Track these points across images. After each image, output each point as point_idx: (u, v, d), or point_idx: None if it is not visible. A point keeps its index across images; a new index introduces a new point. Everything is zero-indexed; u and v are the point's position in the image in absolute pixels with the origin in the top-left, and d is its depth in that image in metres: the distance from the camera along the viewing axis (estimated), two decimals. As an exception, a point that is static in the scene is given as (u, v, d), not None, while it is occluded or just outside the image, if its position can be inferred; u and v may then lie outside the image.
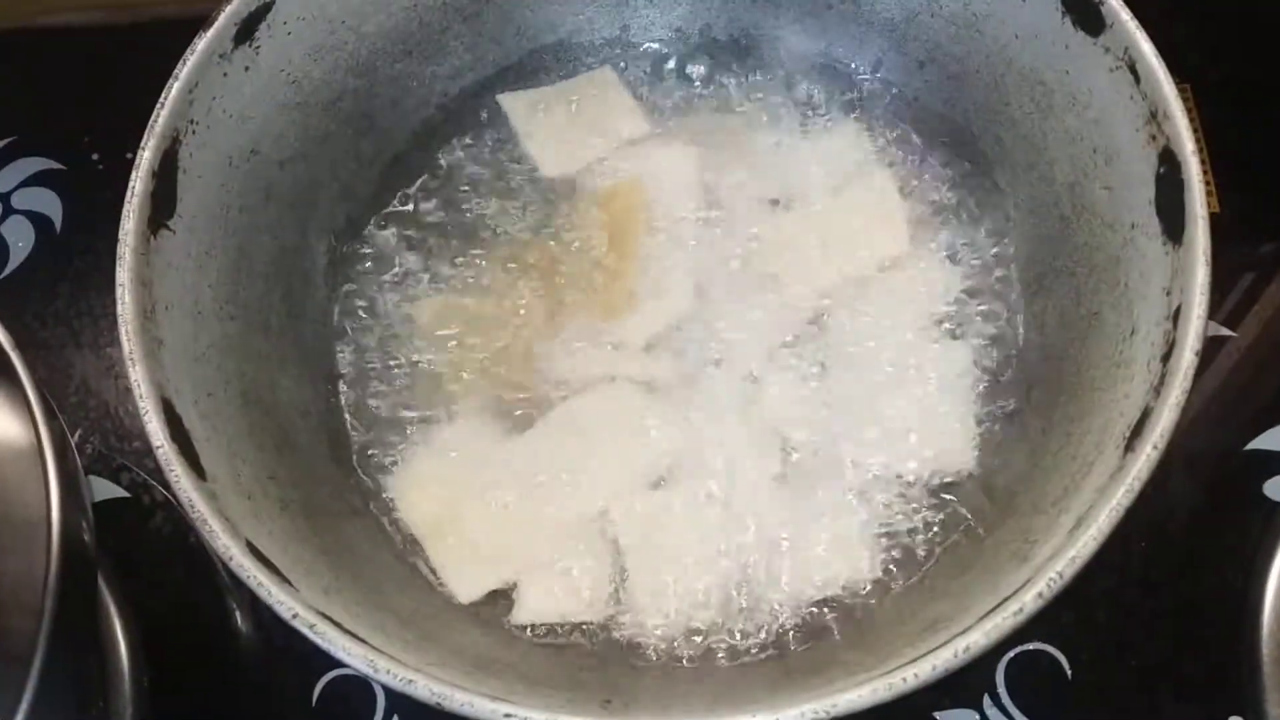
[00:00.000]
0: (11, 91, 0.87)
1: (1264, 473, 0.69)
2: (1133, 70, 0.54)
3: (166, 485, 0.68)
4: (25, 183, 0.82)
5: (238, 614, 0.67)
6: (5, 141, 0.84)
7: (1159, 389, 0.48)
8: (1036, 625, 0.65)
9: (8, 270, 0.79)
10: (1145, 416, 0.48)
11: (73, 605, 0.54)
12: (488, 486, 0.60)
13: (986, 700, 0.64)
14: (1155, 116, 0.53)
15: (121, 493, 0.71)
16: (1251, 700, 0.62)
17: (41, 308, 0.78)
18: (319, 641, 0.44)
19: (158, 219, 0.53)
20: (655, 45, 0.71)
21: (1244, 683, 0.63)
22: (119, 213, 0.55)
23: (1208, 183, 0.78)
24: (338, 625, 0.45)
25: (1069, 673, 0.64)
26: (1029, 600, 0.44)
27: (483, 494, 0.60)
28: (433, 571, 0.59)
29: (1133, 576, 0.67)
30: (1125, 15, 0.54)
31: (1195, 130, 0.78)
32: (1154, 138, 0.53)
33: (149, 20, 0.90)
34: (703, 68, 0.71)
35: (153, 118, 0.54)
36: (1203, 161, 0.78)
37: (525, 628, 0.58)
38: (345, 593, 0.50)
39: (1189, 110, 0.79)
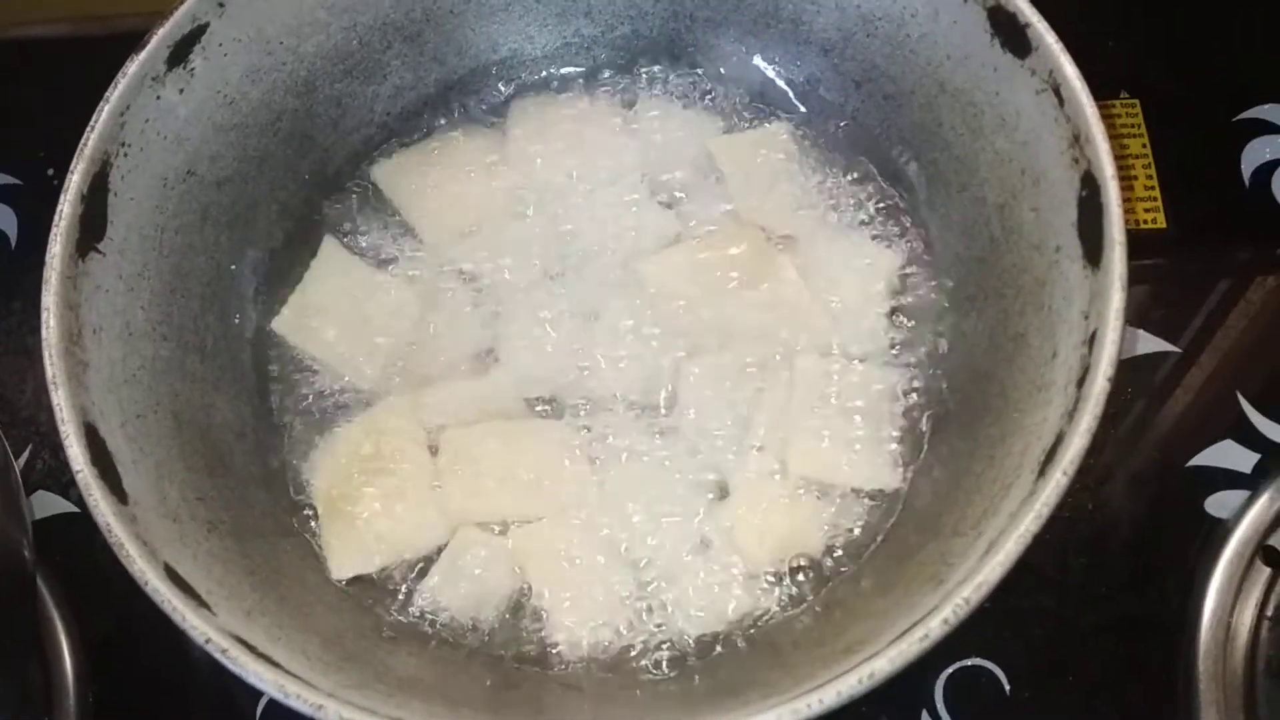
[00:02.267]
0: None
1: (1205, 489, 0.70)
2: (1057, 93, 0.54)
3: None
4: (-20, 198, 0.83)
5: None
6: (-44, 156, 0.84)
7: (1072, 414, 0.48)
8: (974, 641, 0.66)
9: (-40, 285, 0.80)
10: (1059, 441, 0.48)
11: (12, 619, 0.54)
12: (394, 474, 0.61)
13: (925, 716, 0.64)
14: (1078, 140, 0.53)
15: (71, 507, 0.72)
16: (1189, 715, 0.63)
17: (-9, 321, 0.78)
18: (230, 666, 0.45)
19: (87, 242, 0.54)
20: (596, 62, 0.72)
21: (1180, 698, 0.63)
22: None
23: (1155, 198, 0.78)
24: (251, 650, 0.45)
25: (1008, 689, 0.65)
26: (934, 626, 0.44)
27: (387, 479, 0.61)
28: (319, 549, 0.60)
29: (1072, 593, 0.67)
30: (1050, 39, 0.55)
31: (1144, 146, 0.80)
32: (1076, 160, 0.53)
33: (113, 34, 0.90)
34: (642, 83, 0.71)
35: (82, 141, 0.55)
36: (1150, 178, 0.79)
37: (447, 629, 0.58)
38: (269, 615, 0.50)
39: (1139, 126, 0.81)
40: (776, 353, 0.63)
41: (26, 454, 0.73)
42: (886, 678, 0.43)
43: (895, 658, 0.44)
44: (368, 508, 0.60)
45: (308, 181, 0.67)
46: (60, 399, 0.49)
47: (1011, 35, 0.56)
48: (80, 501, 0.70)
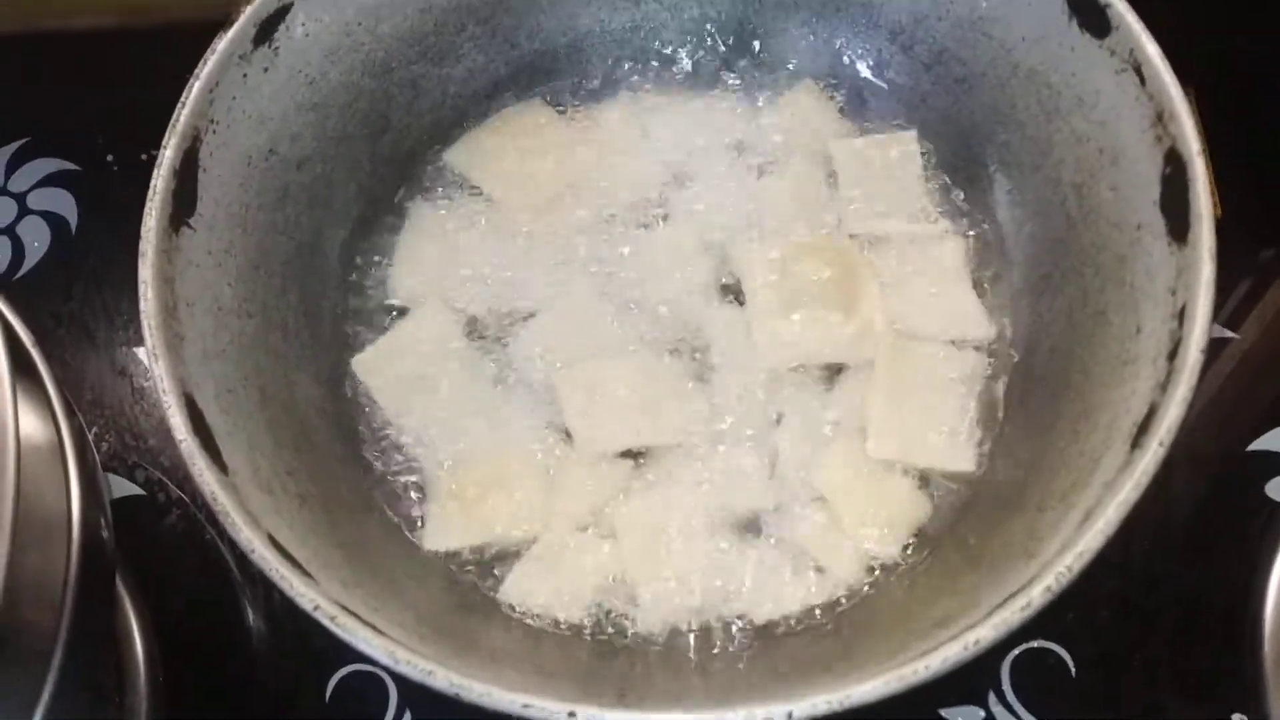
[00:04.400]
0: (26, 93, 0.88)
1: (1266, 473, 0.70)
2: (1138, 72, 0.55)
3: (182, 482, 0.70)
4: (40, 183, 0.83)
5: (251, 611, 0.68)
6: (20, 143, 0.85)
7: (1165, 386, 0.48)
8: (1041, 623, 0.66)
9: (24, 270, 0.80)
10: (1152, 413, 0.48)
11: (91, 602, 0.55)
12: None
13: (992, 698, 0.64)
14: (1161, 118, 0.54)
15: (137, 490, 0.72)
16: (1254, 697, 0.63)
17: (57, 307, 0.79)
18: (341, 634, 0.45)
19: (179, 216, 0.54)
20: (666, 46, 0.72)
21: (1246, 680, 0.64)
22: (133, 213, 0.56)
23: (1210, 187, 0.79)
24: (358, 618, 0.45)
25: (1073, 670, 0.65)
26: (1037, 594, 0.44)
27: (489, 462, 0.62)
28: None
29: (1136, 575, 0.67)
30: (1131, 18, 0.55)
31: (1196, 128, 0.80)
32: (1160, 139, 0.54)
33: (162, 24, 0.91)
34: (713, 67, 0.72)
35: (174, 116, 0.55)
36: (1206, 165, 0.80)
37: (538, 618, 0.59)
38: (364, 587, 0.51)
39: (1193, 114, 0.81)
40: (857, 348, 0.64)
41: (91, 436, 0.73)
42: (991, 644, 0.44)
43: (999, 625, 0.44)
44: (475, 484, 0.61)
45: (383, 162, 0.67)
46: (161, 370, 0.49)
47: (1090, 15, 0.57)
48: (146, 484, 0.72)
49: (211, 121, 0.56)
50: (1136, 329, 0.53)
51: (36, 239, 0.81)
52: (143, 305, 0.51)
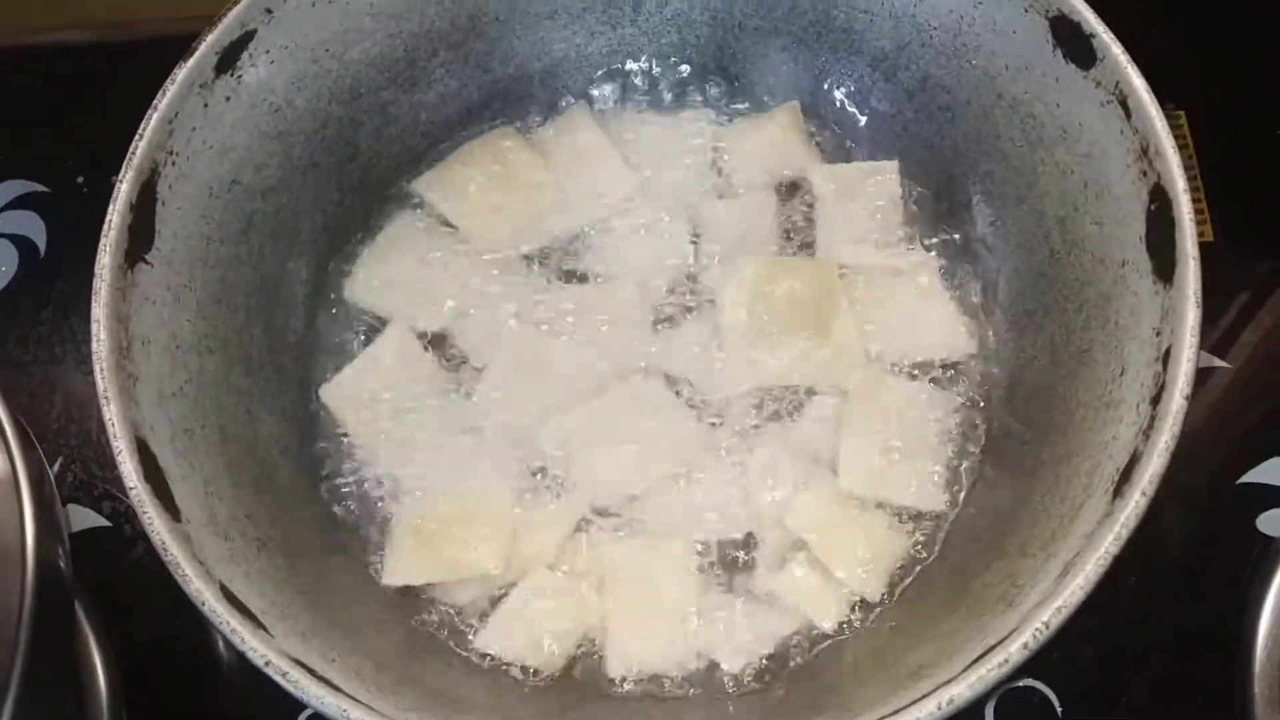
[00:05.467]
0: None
1: (1257, 506, 0.69)
2: (1124, 105, 0.54)
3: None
4: (9, 205, 0.82)
5: (220, 645, 0.67)
6: (-15, 164, 0.83)
7: (1148, 432, 0.48)
8: (1026, 661, 0.65)
9: (-9, 293, 0.79)
10: (1134, 461, 0.47)
11: (48, 637, 0.54)
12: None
13: (976, 738, 0.63)
14: (1146, 152, 0.53)
15: (103, 521, 0.71)
16: None
17: (24, 331, 0.77)
18: (291, 690, 0.44)
19: (135, 253, 0.53)
20: (643, 71, 0.71)
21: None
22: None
23: (1201, 211, 0.78)
24: (311, 672, 0.44)
25: (1059, 710, 0.64)
26: (1014, 651, 0.44)
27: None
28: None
29: (1123, 612, 0.66)
30: (1117, 49, 0.54)
31: (1189, 158, 0.79)
32: (1145, 174, 0.53)
33: (140, 39, 0.89)
34: (690, 94, 0.71)
35: (130, 149, 0.54)
36: (1196, 189, 0.79)
37: (509, 666, 0.57)
38: (322, 636, 0.49)
39: (1183, 137, 0.80)
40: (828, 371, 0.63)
41: (57, 466, 0.72)
42: (966, 703, 0.43)
43: (975, 684, 0.43)
44: (439, 520, 0.60)
45: (350, 190, 0.66)
46: (112, 413, 0.48)
47: (1075, 46, 0.56)
48: (113, 515, 0.71)
49: (170, 153, 0.55)
50: (1120, 370, 0.52)
51: (4, 262, 0.80)
52: (94, 346, 0.50)
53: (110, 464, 0.71)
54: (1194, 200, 0.76)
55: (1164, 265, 0.51)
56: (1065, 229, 0.59)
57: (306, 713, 0.64)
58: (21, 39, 0.90)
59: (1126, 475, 0.47)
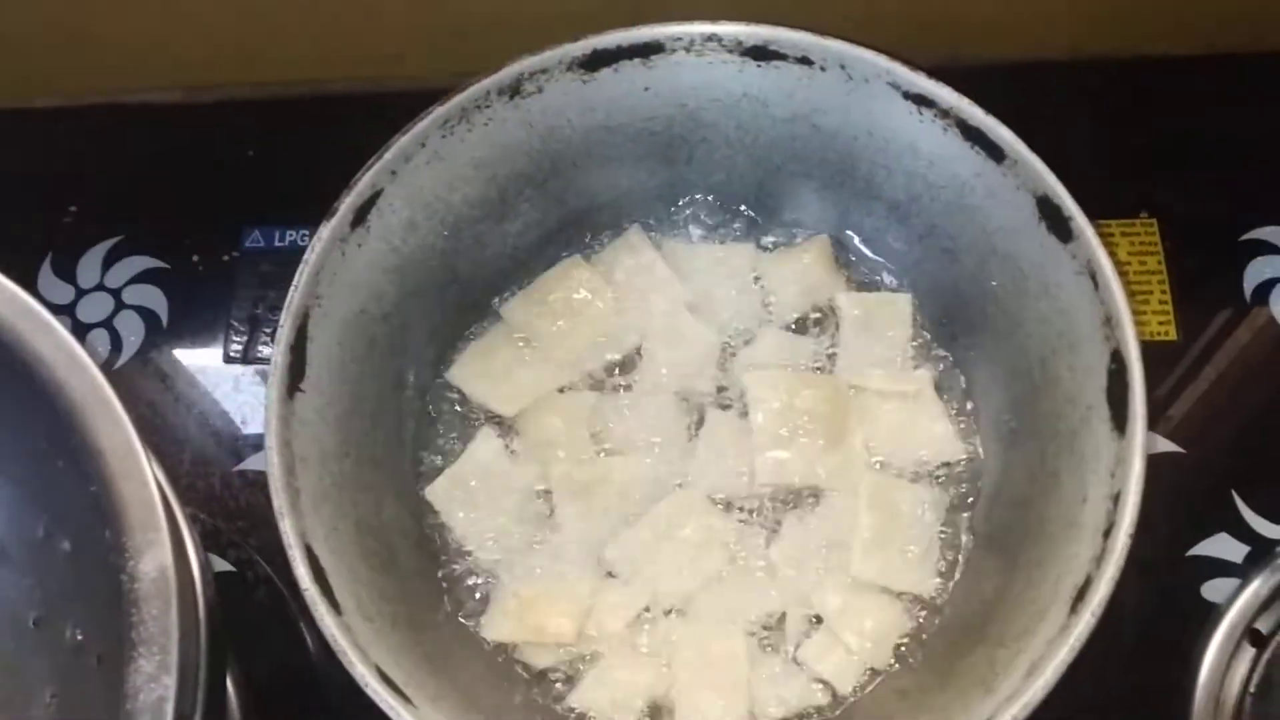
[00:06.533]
0: (115, 184, 0.98)
1: (1203, 576, 0.80)
2: (1093, 278, 0.64)
3: (271, 559, 0.81)
4: (133, 280, 0.94)
5: (333, 682, 0.78)
6: (114, 241, 0.95)
7: (1099, 561, 0.59)
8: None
9: (121, 361, 0.91)
10: (1088, 583, 0.58)
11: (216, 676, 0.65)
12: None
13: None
14: (1109, 321, 0.63)
15: (229, 567, 0.82)
16: None
17: (154, 396, 0.89)
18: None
19: (294, 384, 0.64)
20: (694, 204, 0.82)
21: None
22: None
23: (1166, 313, 0.90)
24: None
25: (1027, 751, 0.75)
26: None
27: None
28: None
29: (1085, 664, 0.77)
30: (1089, 232, 0.64)
31: (1159, 262, 0.91)
32: (1108, 338, 0.63)
33: (228, 100, 1.00)
34: (735, 226, 0.82)
35: (288, 300, 0.65)
36: (1164, 293, 0.90)
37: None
38: (447, 699, 0.61)
39: (1154, 245, 0.92)
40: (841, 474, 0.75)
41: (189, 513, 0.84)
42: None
43: (959, 767, 0.55)
44: (529, 592, 0.72)
45: (452, 308, 0.77)
46: (287, 527, 0.60)
47: (1056, 222, 0.66)
48: (238, 562, 0.83)
49: (318, 298, 0.66)
50: (1083, 498, 0.62)
51: (132, 333, 0.91)
52: (270, 470, 0.61)
53: (235, 515, 0.85)
54: (1161, 302, 0.89)
55: (1119, 417, 0.61)
56: (1044, 368, 0.68)
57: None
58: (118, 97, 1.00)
59: (1081, 594, 0.58)
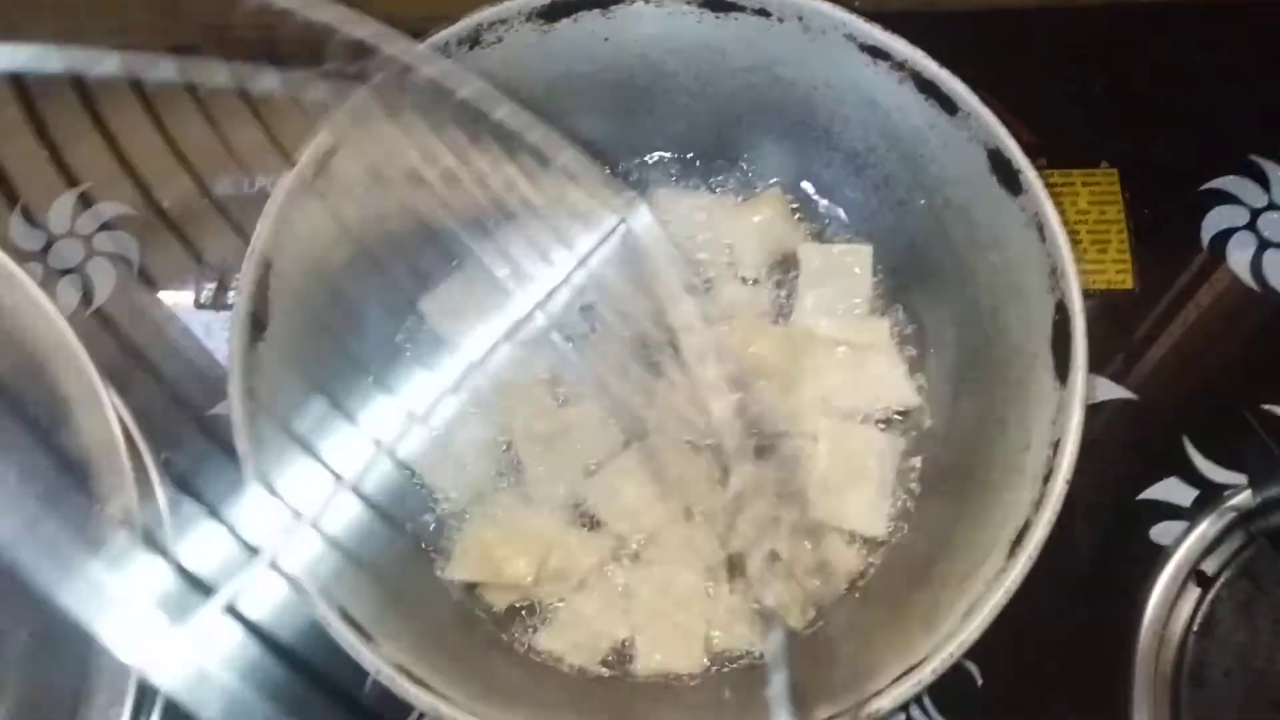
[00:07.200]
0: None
1: (1151, 519, 0.82)
2: (1040, 230, 0.65)
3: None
4: (104, 226, 0.94)
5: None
6: (84, 187, 0.95)
7: (1038, 505, 0.60)
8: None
9: (93, 308, 0.92)
10: (1027, 527, 0.60)
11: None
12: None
13: (913, 705, 0.77)
14: (1055, 272, 0.65)
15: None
16: (1124, 713, 0.75)
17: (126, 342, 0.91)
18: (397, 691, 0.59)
19: (256, 333, 0.66)
20: (652, 154, 0.84)
21: (1119, 699, 0.76)
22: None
23: (1124, 261, 0.91)
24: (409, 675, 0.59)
25: (979, 682, 0.76)
26: (926, 674, 0.57)
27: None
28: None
29: (1038, 604, 0.78)
30: (1038, 186, 0.65)
31: (1119, 212, 0.92)
32: (1053, 289, 0.65)
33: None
34: (693, 179, 0.84)
35: (249, 249, 0.66)
36: (1122, 242, 0.92)
37: (558, 662, 0.72)
38: (408, 636, 0.64)
39: (1114, 194, 0.93)
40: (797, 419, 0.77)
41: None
42: (889, 713, 0.58)
43: (896, 697, 0.58)
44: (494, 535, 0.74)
45: (414, 254, 0.78)
46: (252, 474, 0.62)
47: (1006, 175, 0.67)
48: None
49: (279, 247, 0.67)
50: (1026, 445, 0.64)
51: (103, 279, 0.93)
52: (234, 418, 0.63)
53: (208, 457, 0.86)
54: (1120, 251, 0.91)
55: (1062, 367, 0.63)
56: (995, 317, 0.70)
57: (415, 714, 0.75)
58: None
59: (1020, 539, 0.60)
